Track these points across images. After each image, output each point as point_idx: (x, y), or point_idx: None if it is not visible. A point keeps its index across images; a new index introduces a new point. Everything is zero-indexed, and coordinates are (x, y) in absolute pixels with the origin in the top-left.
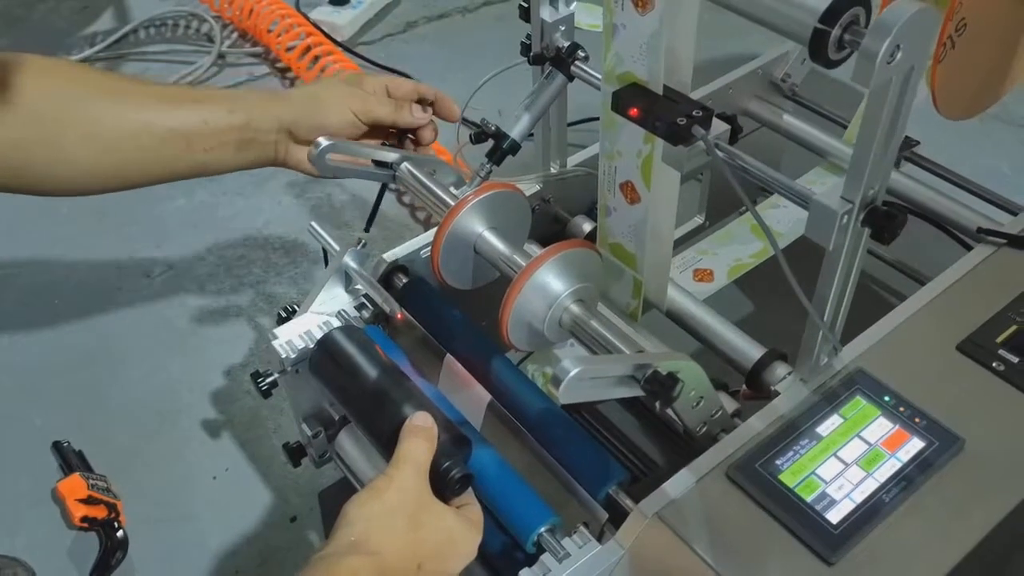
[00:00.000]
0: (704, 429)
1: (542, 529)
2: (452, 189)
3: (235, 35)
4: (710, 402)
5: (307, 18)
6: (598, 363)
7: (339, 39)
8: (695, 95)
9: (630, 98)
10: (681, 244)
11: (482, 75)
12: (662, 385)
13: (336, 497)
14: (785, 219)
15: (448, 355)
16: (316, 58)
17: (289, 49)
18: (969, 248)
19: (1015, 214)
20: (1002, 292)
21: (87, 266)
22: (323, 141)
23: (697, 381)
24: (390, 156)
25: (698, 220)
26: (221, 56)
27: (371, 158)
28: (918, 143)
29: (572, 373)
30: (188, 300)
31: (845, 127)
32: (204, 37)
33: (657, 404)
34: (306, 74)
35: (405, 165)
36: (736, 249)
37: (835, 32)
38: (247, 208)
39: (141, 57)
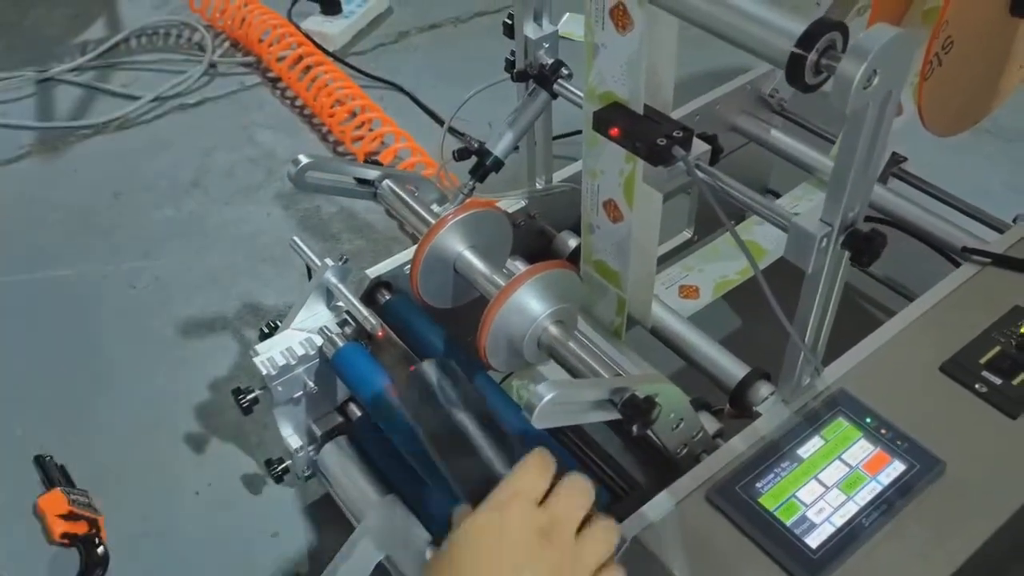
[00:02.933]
0: (685, 451)
1: None
2: (434, 207)
3: (226, 44)
4: (690, 424)
5: (299, 28)
6: (573, 388)
7: (331, 49)
8: (683, 110)
9: (611, 117)
10: (669, 259)
11: (474, 85)
12: (639, 409)
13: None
14: (771, 236)
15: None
16: (307, 68)
17: (280, 59)
18: (957, 264)
19: (1002, 232)
20: (986, 312)
21: (72, 275)
22: (303, 159)
23: (676, 403)
24: (371, 173)
25: (687, 234)
26: (212, 65)
27: (352, 175)
28: (905, 159)
29: (546, 399)
30: (174, 311)
31: (833, 142)
32: (195, 46)
33: (634, 428)
34: (297, 84)
35: (386, 182)
36: (722, 266)
37: (812, 57)
38: (235, 219)
39: (132, 66)
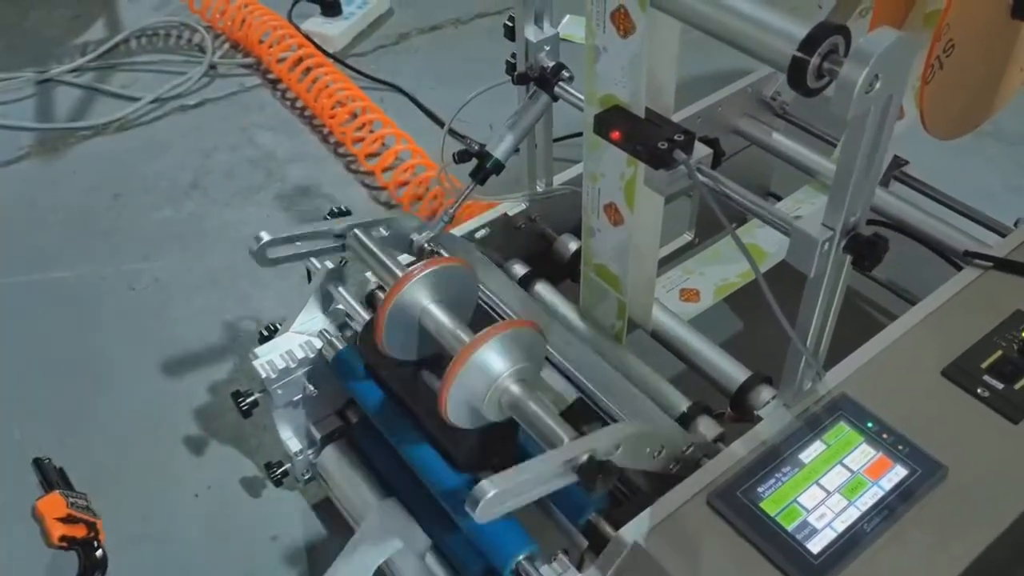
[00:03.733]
0: (677, 467)
1: (520, 557)
2: (414, 236)
3: (226, 46)
4: (672, 447)
5: (299, 29)
6: (519, 475)
7: (331, 50)
8: (685, 113)
9: (612, 121)
10: (670, 261)
11: (474, 87)
12: (595, 473)
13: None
14: (773, 239)
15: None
16: (308, 69)
17: (280, 60)
18: (959, 268)
19: (1004, 235)
20: (988, 316)
21: (72, 277)
22: (264, 236)
23: (648, 440)
24: (336, 228)
25: (687, 237)
26: (212, 67)
27: (314, 240)
28: (907, 163)
29: (490, 495)
30: (173, 313)
31: (835, 145)
32: (195, 48)
33: (597, 487)
34: (297, 86)
35: (354, 232)
36: (723, 269)
37: (814, 61)
38: (235, 220)
39: (132, 67)
